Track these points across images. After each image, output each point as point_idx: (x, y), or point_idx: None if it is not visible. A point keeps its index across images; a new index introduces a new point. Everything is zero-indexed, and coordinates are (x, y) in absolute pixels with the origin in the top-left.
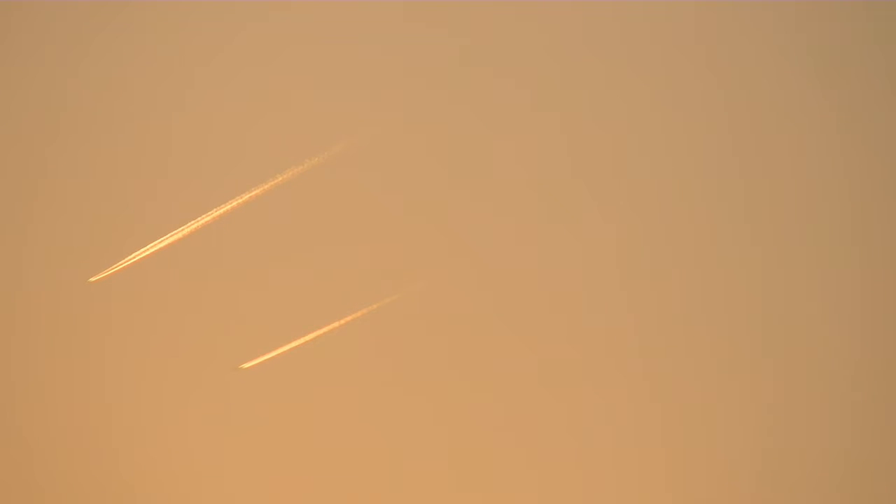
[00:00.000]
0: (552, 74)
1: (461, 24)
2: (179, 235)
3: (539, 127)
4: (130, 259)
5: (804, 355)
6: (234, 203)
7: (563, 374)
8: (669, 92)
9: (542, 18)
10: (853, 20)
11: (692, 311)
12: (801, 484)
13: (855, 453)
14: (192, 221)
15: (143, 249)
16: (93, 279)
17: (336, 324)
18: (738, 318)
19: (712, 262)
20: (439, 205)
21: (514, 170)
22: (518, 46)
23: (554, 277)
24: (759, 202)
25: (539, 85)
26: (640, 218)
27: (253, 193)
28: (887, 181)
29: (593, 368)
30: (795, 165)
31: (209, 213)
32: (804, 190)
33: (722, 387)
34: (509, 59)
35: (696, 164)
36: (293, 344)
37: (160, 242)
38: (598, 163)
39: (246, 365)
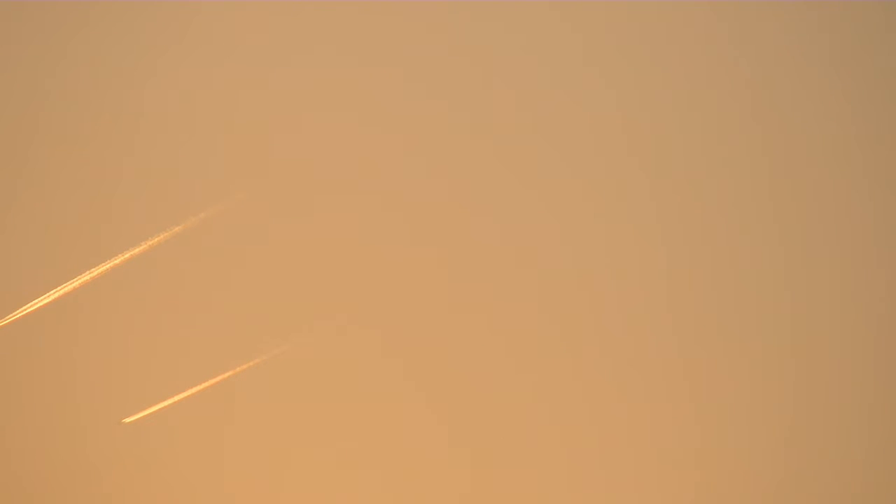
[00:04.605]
0: (574, 79)
1: (456, 23)
2: (68, 289)
3: (556, 129)
4: (21, 312)
5: (826, 354)
6: (121, 258)
7: (574, 379)
8: (693, 91)
9: (564, 18)
10: (875, 19)
11: (713, 311)
12: (824, 484)
13: (878, 453)
14: (83, 274)
15: (34, 301)
16: None
17: (230, 372)
18: (761, 317)
19: (732, 261)
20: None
21: (520, 169)
22: (546, 51)
23: (575, 280)
24: (785, 202)
25: (554, 89)
26: (659, 220)
27: (148, 244)
28: None
29: (612, 370)
30: (819, 165)
31: (97, 267)
32: (828, 189)
33: (745, 387)
34: (537, 64)
35: (719, 163)
36: (179, 396)
37: (47, 297)
38: (620, 162)
39: (129, 419)
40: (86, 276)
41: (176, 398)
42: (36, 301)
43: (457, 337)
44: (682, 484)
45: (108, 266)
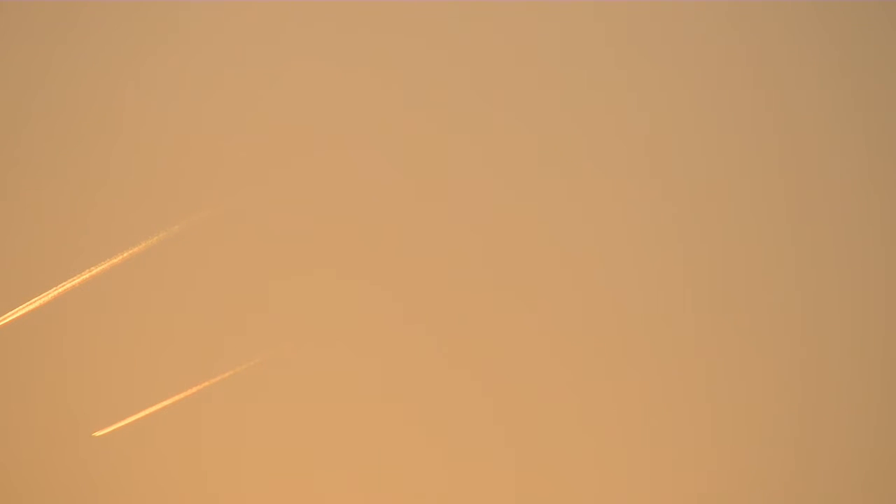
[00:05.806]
0: (575, 79)
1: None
2: (39, 303)
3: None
4: None
5: (841, 355)
6: (90, 272)
7: (578, 380)
8: (705, 91)
9: (563, 18)
10: (879, 18)
11: (718, 307)
12: (833, 482)
13: (887, 451)
14: (54, 288)
15: (9, 314)
16: None
17: (211, 381)
18: (768, 313)
19: (736, 258)
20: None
21: (527, 167)
22: (549, 52)
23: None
24: (798, 203)
25: (555, 89)
26: (676, 220)
27: (116, 259)
28: None
29: (626, 365)
30: (829, 165)
31: (67, 281)
32: (836, 189)
33: (750, 384)
34: (550, 68)
35: (729, 162)
36: (151, 409)
37: (20, 310)
38: (628, 159)
39: (100, 433)
40: (60, 288)
41: (149, 410)
42: (9, 314)
43: (460, 344)
44: (695, 483)
45: (89, 274)
